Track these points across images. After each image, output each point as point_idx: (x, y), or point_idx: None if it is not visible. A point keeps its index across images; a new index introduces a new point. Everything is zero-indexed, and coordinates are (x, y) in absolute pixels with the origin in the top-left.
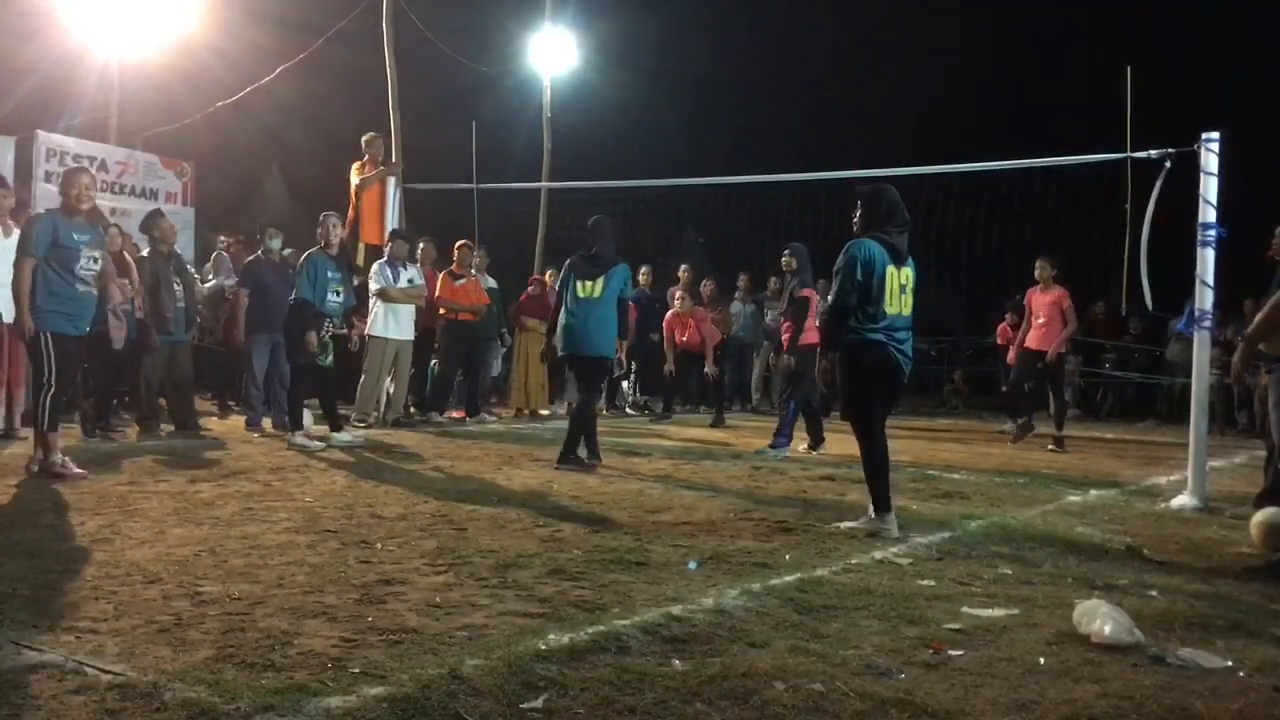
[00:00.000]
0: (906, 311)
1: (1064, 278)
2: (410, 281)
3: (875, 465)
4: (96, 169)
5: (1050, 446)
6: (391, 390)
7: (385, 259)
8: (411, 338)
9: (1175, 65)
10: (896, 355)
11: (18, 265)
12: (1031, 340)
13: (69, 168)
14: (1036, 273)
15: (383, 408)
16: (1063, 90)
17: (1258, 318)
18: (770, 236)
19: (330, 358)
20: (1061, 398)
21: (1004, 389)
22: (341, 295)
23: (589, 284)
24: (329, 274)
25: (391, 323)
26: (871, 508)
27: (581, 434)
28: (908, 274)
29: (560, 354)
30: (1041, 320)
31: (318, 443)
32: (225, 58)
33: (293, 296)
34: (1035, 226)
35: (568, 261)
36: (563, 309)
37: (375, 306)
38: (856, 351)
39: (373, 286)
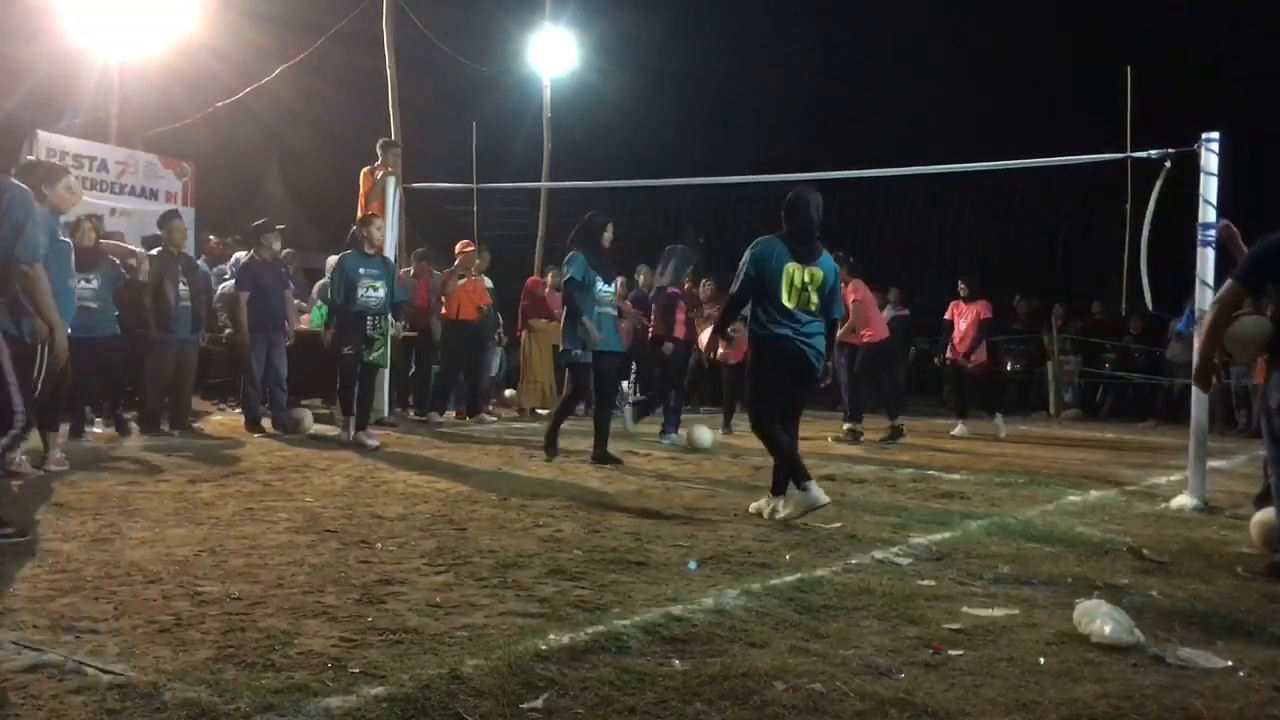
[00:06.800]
0: (811, 307)
1: (1061, 278)
2: None
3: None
4: (96, 169)
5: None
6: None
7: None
8: None
9: (1175, 65)
10: (803, 347)
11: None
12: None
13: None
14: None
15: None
16: (1063, 90)
17: (1202, 330)
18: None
19: (375, 354)
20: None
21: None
22: (380, 291)
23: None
24: (360, 271)
25: None
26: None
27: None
28: (813, 273)
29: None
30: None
31: (372, 442)
32: (225, 58)
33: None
34: (1035, 226)
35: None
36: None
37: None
38: (760, 345)
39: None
